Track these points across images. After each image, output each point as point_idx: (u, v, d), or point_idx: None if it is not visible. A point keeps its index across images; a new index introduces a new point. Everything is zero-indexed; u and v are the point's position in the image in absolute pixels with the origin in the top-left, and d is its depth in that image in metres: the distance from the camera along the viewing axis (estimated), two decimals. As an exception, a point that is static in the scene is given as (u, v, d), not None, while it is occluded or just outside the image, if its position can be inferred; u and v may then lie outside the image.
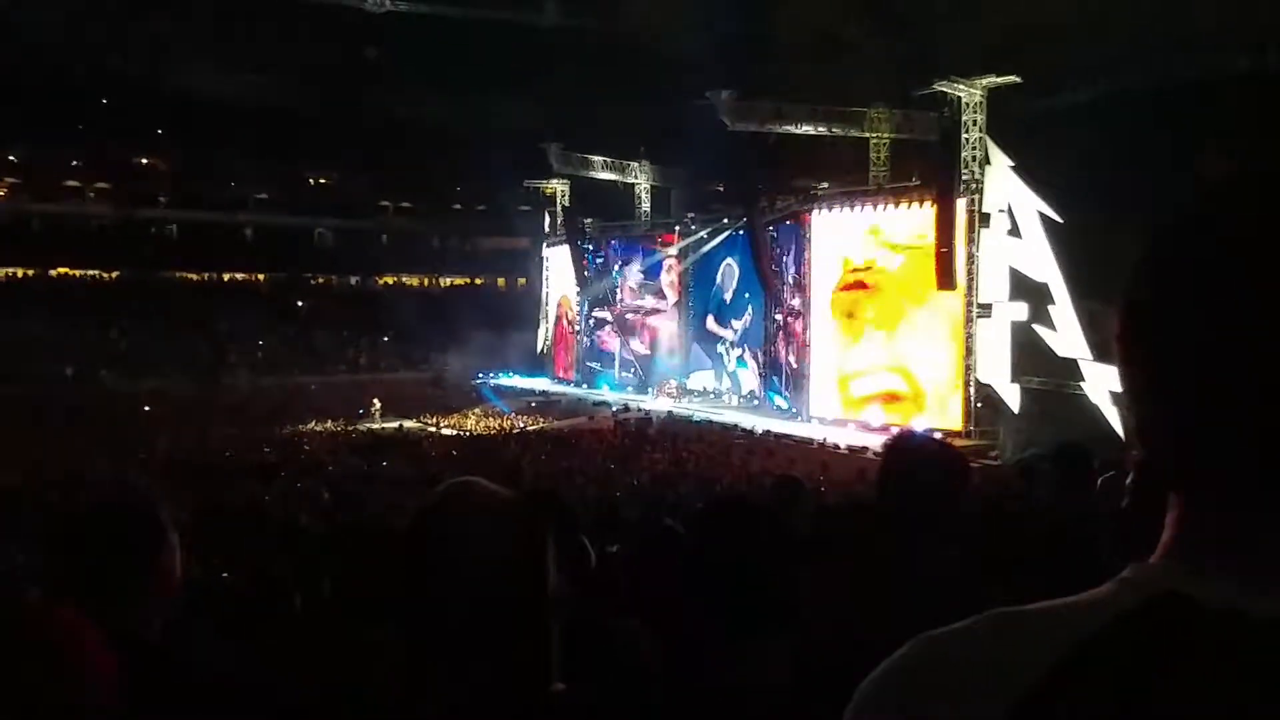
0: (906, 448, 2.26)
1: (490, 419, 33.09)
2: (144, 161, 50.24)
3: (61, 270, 46.28)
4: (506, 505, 1.11)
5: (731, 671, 1.44)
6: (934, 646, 0.60)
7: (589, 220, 38.11)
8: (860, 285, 25.83)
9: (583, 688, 1.17)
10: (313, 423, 31.80)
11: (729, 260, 31.89)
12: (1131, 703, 0.50)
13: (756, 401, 29.70)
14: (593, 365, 38.16)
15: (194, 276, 48.85)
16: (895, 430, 22.29)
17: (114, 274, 46.84)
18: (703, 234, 32.69)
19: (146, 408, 32.60)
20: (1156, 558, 0.60)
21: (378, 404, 33.80)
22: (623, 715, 1.21)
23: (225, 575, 6.50)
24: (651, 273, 35.62)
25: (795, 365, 28.05)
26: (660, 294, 35.37)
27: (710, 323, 33.00)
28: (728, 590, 1.50)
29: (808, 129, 27.76)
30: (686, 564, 1.76)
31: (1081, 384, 20.11)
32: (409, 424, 32.01)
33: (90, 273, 46.83)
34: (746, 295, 30.96)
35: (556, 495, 4.36)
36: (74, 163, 48.20)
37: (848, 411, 25.91)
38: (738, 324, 31.64)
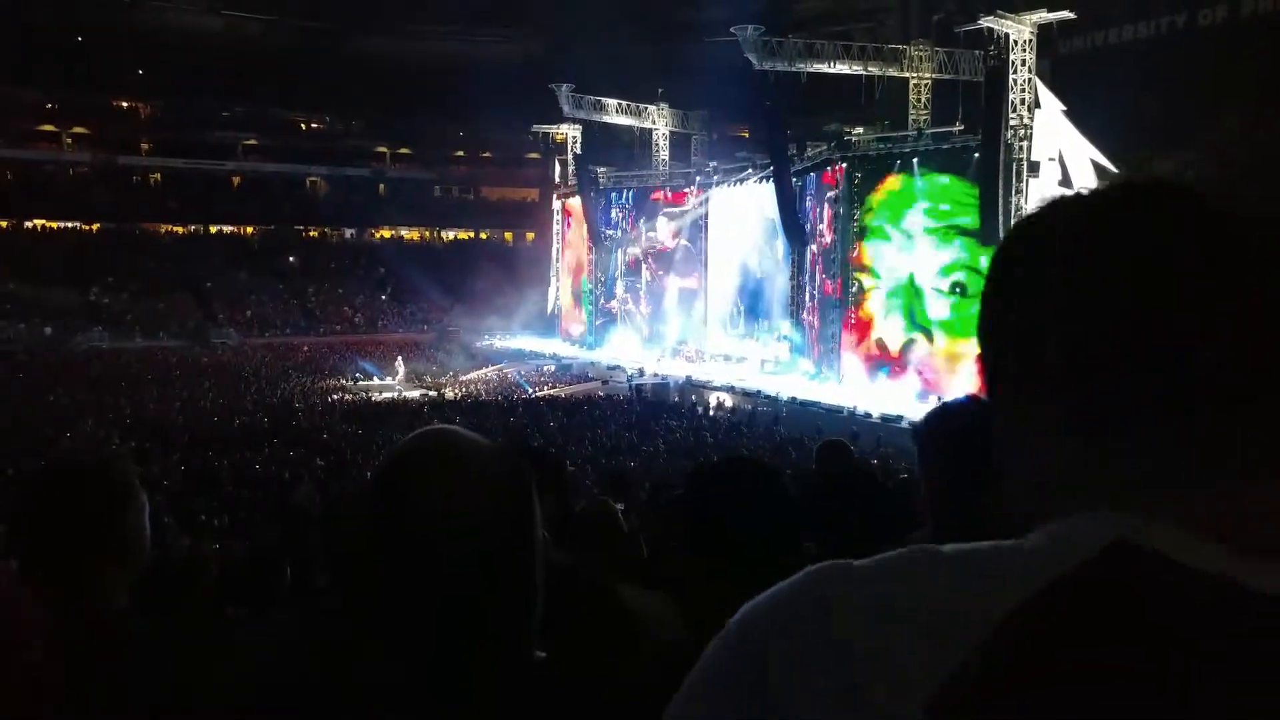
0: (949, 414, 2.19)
1: (496, 384, 33.09)
2: (124, 105, 50.06)
3: (37, 222, 46.41)
4: (490, 453, 1.06)
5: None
6: (851, 577, 0.55)
7: (602, 169, 37.82)
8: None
9: (566, 656, 1.17)
10: (307, 383, 31.91)
11: (755, 212, 31.60)
12: (1117, 673, 0.46)
13: (779, 366, 29.56)
14: (605, 326, 38.07)
15: (179, 229, 48.94)
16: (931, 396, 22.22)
17: (94, 226, 46.93)
18: (725, 185, 32.47)
19: (130, 369, 32.76)
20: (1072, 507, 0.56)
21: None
22: (605, 683, 1.17)
23: (217, 546, 6.51)
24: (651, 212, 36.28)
25: (820, 325, 27.87)
26: (663, 230, 36.04)
27: (732, 282, 32.82)
28: (720, 548, 1.52)
29: (842, 68, 27.33)
30: (684, 523, 1.77)
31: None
32: (409, 389, 32.03)
33: (68, 225, 46.96)
34: (773, 251, 30.72)
35: (545, 453, 4.39)
36: (48, 106, 48.09)
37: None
38: (763, 283, 31.43)
